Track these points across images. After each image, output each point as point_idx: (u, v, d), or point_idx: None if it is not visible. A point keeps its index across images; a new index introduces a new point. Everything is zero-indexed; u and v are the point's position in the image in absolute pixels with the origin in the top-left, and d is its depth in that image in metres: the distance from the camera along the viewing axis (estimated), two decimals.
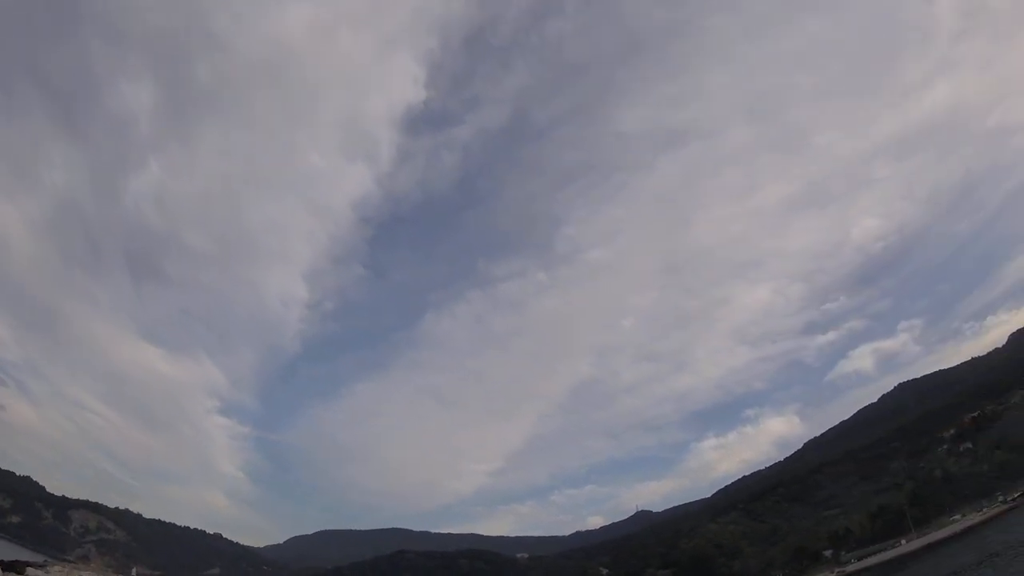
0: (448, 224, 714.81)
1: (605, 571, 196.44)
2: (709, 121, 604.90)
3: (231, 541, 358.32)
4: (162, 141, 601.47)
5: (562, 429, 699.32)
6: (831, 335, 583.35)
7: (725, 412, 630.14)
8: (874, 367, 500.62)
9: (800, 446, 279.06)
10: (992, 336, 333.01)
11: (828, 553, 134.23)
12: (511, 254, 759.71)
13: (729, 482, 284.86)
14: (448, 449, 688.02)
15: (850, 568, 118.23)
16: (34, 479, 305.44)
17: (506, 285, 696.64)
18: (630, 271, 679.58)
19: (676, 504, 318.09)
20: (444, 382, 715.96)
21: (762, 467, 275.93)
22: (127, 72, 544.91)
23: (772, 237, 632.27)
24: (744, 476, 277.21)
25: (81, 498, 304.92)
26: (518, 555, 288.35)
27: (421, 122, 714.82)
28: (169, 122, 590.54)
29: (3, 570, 29.48)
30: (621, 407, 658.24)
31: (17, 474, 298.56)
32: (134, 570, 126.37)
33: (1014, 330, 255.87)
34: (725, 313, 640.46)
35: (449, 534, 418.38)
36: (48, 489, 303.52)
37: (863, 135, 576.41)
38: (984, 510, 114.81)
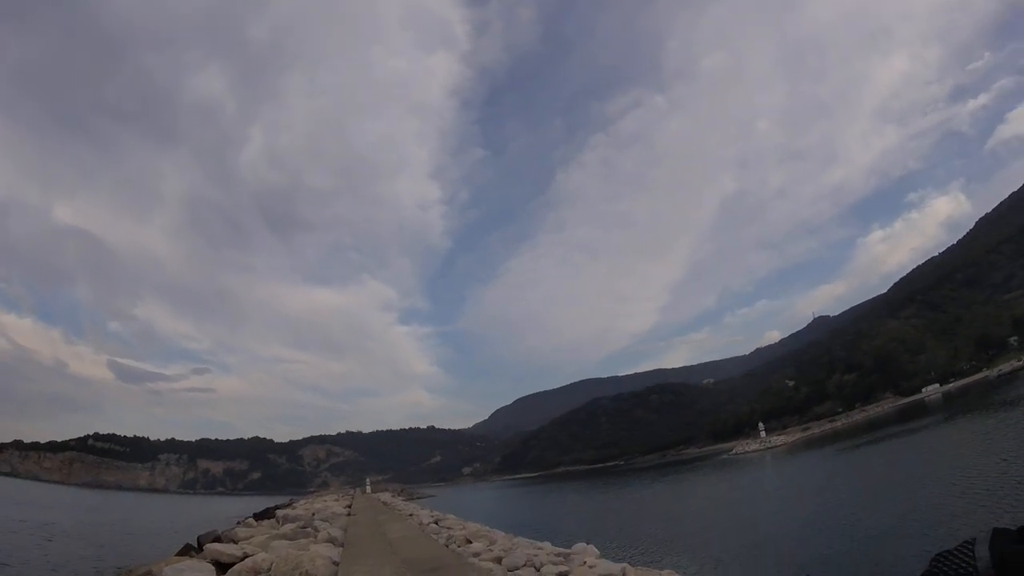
0: (547, 78, 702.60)
1: (791, 383, 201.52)
2: None
3: (443, 429, 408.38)
4: (252, 109, 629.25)
5: (720, 250, 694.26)
6: (982, 99, 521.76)
7: (886, 200, 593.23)
8: None
9: (971, 226, 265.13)
10: None
11: (1014, 340, 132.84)
12: (621, 87, 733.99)
13: (903, 274, 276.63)
14: (612, 295, 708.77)
15: None
16: (262, 436, 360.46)
17: (625, 121, 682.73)
18: (751, 70, 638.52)
19: (853, 305, 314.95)
20: (591, 234, 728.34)
21: (934, 254, 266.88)
22: (189, 67, 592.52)
23: None
24: (918, 266, 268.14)
25: (306, 436, 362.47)
26: (704, 381, 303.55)
27: None
28: (250, 91, 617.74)
29: (256, 520, 39.43)
30: (775, 214, 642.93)
31: (245, 438, 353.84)
32: (367, 480, 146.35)
33: None
34: (863, 92, 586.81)
35: (635, 374, 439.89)
36: (276, 440, 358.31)
37: None
38: None
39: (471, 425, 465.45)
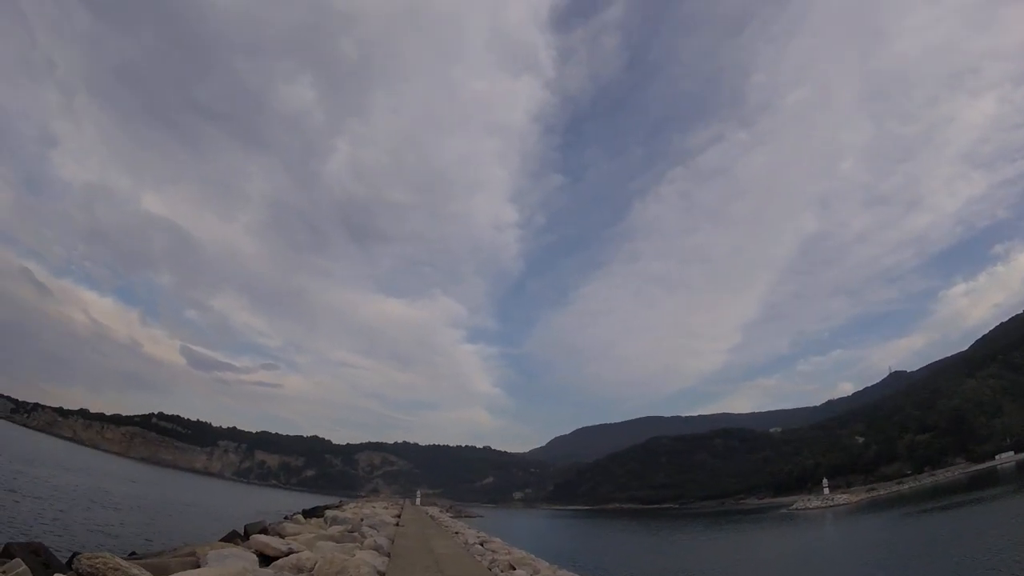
0: (630, 108, 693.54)
1: (860, 439, 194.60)
2: None
3: (499, 451, 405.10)
4: (339, 121, 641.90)
5: (796, 293, 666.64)
6: None
7: (970, 251, 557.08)
8: None
9: None
10: None
11: None
12: (704, 120, 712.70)
13: (985, 331, 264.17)
14: (683, 331, 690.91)
15: None
16: (320, 436, 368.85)
17: (706, 155, 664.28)
18: (836, 106, 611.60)
19: (931, 361, 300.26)
20: (665, 267, 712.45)
21: (1019, 311, 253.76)
22: (281, 77, 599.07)
23: (981, 35, 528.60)
24: (1001, 323, 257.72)
25: (363, 441, 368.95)
26: (771, 430, 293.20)
27: (569, 14, 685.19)
28: (338, 103, 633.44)
29: (305, 517, 39.91)
30: (855, 259, 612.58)
31: (305, 436, 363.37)
32: (418, 492, 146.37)
33: None
34: (951, 134, 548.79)
35: (700, 416, 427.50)
36: (334, 441, 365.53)
37: None
38: None
39: (528, 450, 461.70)
